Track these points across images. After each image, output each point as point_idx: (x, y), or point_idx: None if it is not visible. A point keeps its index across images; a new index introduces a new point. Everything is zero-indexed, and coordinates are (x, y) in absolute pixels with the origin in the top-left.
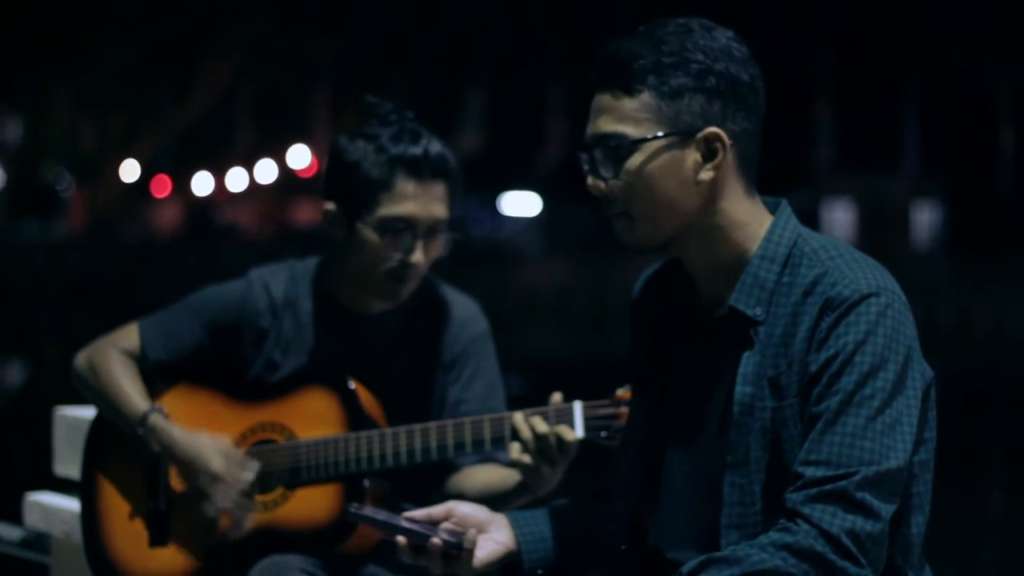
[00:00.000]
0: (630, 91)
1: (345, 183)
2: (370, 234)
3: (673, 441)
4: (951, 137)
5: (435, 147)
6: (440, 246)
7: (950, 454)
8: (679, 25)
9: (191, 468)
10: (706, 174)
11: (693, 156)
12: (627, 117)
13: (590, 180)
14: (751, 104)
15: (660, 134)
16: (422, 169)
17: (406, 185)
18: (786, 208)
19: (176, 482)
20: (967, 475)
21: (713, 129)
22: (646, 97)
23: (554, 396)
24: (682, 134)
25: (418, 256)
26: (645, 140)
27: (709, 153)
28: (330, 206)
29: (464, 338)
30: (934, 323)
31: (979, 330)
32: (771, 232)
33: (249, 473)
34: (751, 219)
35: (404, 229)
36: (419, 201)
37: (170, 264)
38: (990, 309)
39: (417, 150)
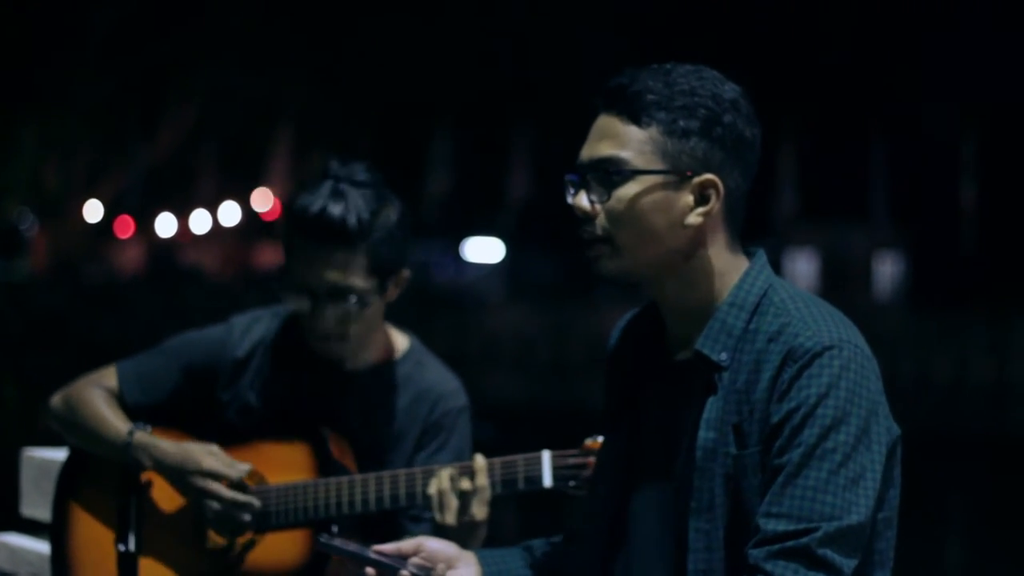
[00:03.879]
0: (639, 121)
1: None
2: (289, 295)
3: (640, 484)
4: (914, 189)
5: (336, 210)
6: (357, 315)
7: (909, 506)
8: (692, 70)
9: (183, 471)
10: (695, 218)
11: (686, 198)
12: (630, 146)
13: (576, 200)
14: (748, 161)
15: (659, 169)
16: (312, 232)
17: (301, 248)
18: (761, 257)
19: (152, 516)
20: (926, 527)
21: (710, 176)
22: (654, 131)
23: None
24: (680, 174)
25: (322, 323)
26: (644, 172)
27: (702, 199)
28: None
29: (439, 411)
30: (895, 375)
31: (939, 382)
32: (743, 280)
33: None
34: (729, 268)
35: (303, 293)
36: (310, 266)
37: (132, 305)
38: (950, 361)
39: (314, 209)
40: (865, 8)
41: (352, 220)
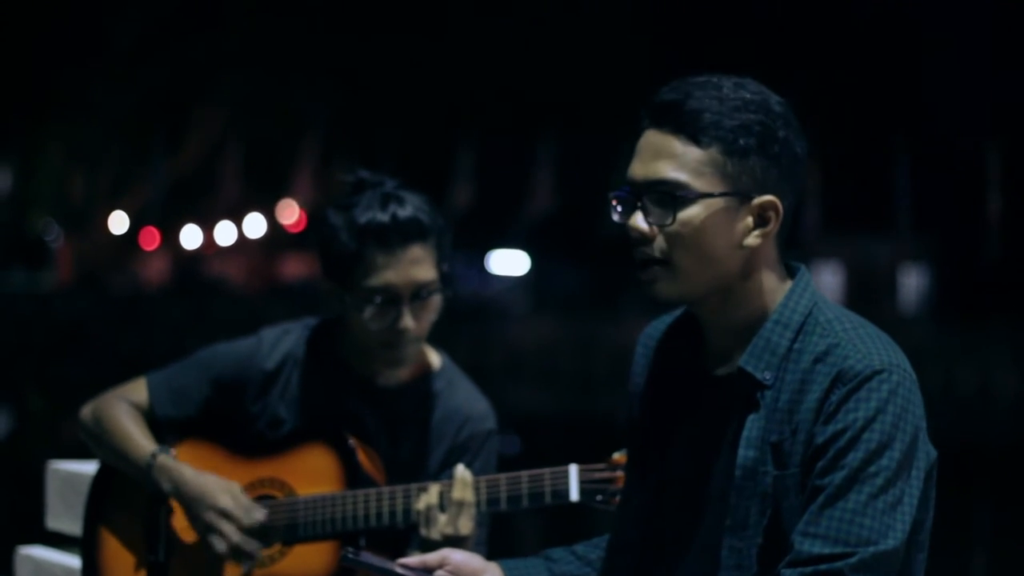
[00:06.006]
0: (698, 141)
1: (327, 257)
2: (356, 305)
3: (673, 499)
4: (938, 201)
5: (405, 211)
6: (433, 307)
7: (934, 518)
8: (739, 83)
9: (199, 504)
10: (754, 240)
11: (745, 220)
12: (690, 167)
13: (633, 221)
14: (800, 177)
15: (723, 192)
16: (391, 237)
17: (377, 256)
18: (805, 275)
19: (180, 529)
20: (951, 540)
21: (772, 197)
22: (714, 152)
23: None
24: (742, 196)
25: (407, 322)
26: (708, 195)
27: (761, 220)
28: (324, 278)
29: (466, 432)
30: (920, 386)
31: (964, 394)
32: (788, 298)
33: (257, 514)
34: (776, 286)
35: (386, 299)
36: (395, 269)
37: (157, 316)
38: (975, 373)
39: (384, 217)
40: (886, 19)
41: (423, 216)
